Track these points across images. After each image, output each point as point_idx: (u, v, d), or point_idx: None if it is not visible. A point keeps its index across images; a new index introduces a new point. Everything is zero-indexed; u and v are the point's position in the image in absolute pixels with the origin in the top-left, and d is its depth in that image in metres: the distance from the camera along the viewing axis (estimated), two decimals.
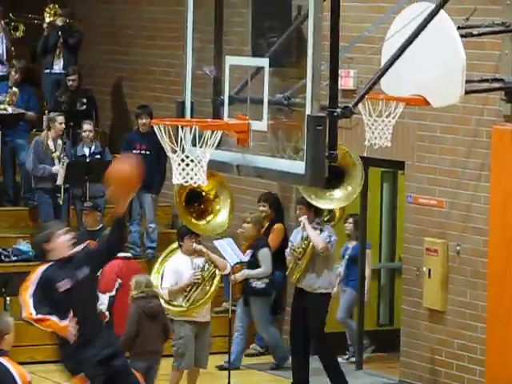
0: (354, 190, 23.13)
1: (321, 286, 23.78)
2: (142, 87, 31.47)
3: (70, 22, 32.45)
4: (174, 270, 23.36)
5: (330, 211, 24.56)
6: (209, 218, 23.84)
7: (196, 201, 23.66)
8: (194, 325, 22.84)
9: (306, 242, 23.56)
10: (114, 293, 23.69)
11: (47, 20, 32.27)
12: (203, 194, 23.41)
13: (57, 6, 32.65)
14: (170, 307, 23.00)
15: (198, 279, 23.40)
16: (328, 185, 20.79)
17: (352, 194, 23.04)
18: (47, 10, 32.54)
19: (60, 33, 31.70)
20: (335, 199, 23.26)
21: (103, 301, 22.80)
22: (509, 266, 21.60)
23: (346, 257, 25.85)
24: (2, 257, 27.52)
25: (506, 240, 21.46)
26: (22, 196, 29.82)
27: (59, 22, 32.13)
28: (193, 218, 23.61)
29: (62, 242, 16.79)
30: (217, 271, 23.79)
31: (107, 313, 22.77)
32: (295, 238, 23.92)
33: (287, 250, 24.15)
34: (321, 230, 23.52)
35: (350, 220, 25.57)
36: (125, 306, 22.94)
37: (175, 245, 24.01)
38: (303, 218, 23.46)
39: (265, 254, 25.17)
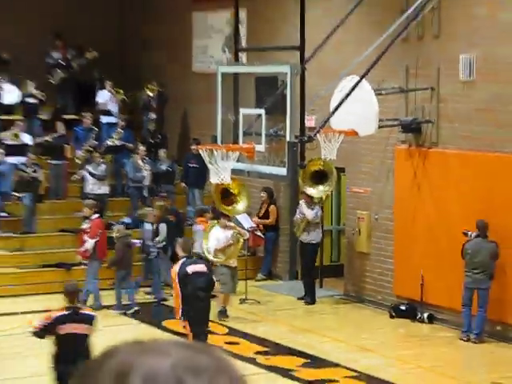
0: (331, 186, 25.48)
1: (311, 240, 26.96)
2: (194, 128, 32.98)
3: (162, 90, 33.32)
4: (216, 237, 25.88)
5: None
6: (234, 205, 25.62)
7: (226, 194, 25.22)
8: (229, 268, 25.79)
9: (303, 215, 26.73)
10: (97, 238, 26.19)
11: (150, 93, 33.29)
12: (230, 190, 24.91)
13: (155, 83, 33.16)
14: (216, 259, 25.81)
15: (230, 243, 26.07)
16: (318, 182, 24.59)
17: (330, 188, 25.73)
18: (149, 86, 33.36)
19: (155, 98, 33.07)
20: (321, 191, 25.18)
21: (91, 242, 26.08)
22: (406, 226, 24.98)
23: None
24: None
25: (403, 212, 25.22)
26: (125, 191, 31.80)
27: (155, 91, 33.14)
28: (224, 205, 25.42)
29: None
30: (240, 238, 26.65)
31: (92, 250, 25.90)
32: (299, 212, 27.05)
33: (294, 219, 27.58)
34: (312, 209, 26.61)
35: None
36: (102, 244, 26.43)
37: (215, 221, 26.81)
38: (302, 202, 26.81)
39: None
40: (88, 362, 1.62)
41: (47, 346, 18.64)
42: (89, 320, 16.84)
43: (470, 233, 22.37)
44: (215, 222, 26.74)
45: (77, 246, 27.24)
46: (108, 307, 25.61)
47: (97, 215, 26.50)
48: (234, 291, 26.04)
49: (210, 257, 25.83)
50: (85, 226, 26.49)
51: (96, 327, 16.63)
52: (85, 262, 26.90)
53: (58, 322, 16.87)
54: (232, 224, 26.96)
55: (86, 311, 17.87)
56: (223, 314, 25.09)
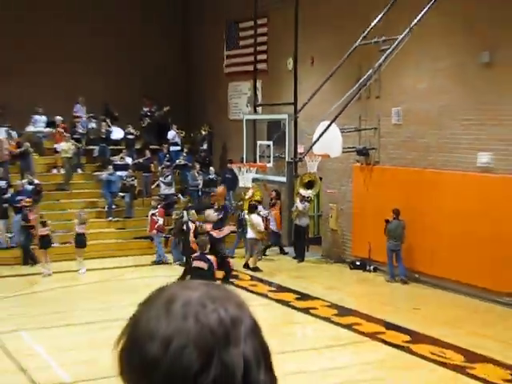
0: (317, 189, 24.84)
1: (302, 223, 26.01)
2: (229, 152, 31.52)
3: (210, 130, 32.26)
4: (256, 221, 24.76)
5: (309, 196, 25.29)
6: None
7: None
8: (261, 241, 25.26)
9: (297, 207, 25.49)
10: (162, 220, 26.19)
11: (203, 132, 32.20)
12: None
13: (206, 125, 32.18)
14: (257, 236, 24.81)
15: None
16: (309, 187, 23.74)
17: (316, 191, 24.93)
18: (203, 127, 32.44)
19: (206, 134, 32.02)
20: (310, 193, 24.39)
21: (161, 220, 26.02)
22: (360, 213, 24.41)
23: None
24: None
25: (358, 204, 24.59)
26: (188, 193, 29.95)
27: (206, 131, 32.25)
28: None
29: None
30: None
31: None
32: (294, 206, 25.84)
33: (292, 209, 26.29)
34: (303, 203, 25.29)
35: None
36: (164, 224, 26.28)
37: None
38: (297, 199, 25.44)
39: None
40: (150, 293, 1.64)
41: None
42: (207, 260, 16.81)
43: (390, 219, 22.36)
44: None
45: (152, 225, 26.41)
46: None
47: (160, 206, 26.65)
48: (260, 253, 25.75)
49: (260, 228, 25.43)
50: (152, 211, 26.33)
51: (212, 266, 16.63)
52: (155, 235, 26.35)
53: (194, 258, 17.58)
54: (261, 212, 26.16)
55: (208, 256, 17.66)
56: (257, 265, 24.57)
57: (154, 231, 26.44)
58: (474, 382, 13.93)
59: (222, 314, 1.47)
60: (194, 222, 25.02)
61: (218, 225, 24.22)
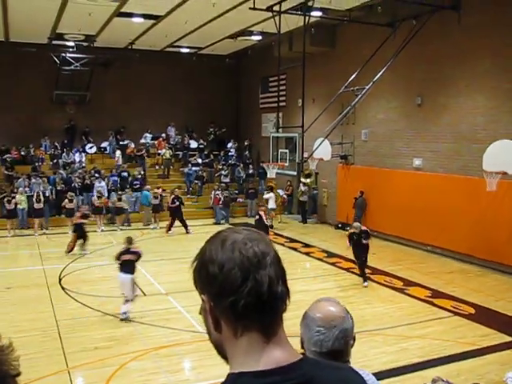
0: (312, 179, 24.73)
1: (304, 199, 25.29)
2: (262, 156, 30.67)
3: (250, 143, 31.55)
4: (273, 197, 24.88)
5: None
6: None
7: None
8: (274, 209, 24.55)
9: (300, 189, 24.89)
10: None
11: (245, 143, 31.56)
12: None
13: (248, 139, 31.58)
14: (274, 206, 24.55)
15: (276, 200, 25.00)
16: (307, 177, 23.82)
17: (312, 180, 24.66)
18: (246, 141, 31.71)
19: (248, 145, 31.31)
20: (309, 181, 24.35)
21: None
22: (342, 195, 23.97)
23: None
24: None
25: (341, 189, 24.12)
26: (236, 181, 29.22)
27: (248, 143, 31.63)
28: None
29: None
30: (279, 198, 25.64)
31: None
32: (299, 188, 25.11)
33: (298, 190, 25.43)
34: (303, 187, 24.64)
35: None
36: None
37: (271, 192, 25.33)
38: (301, 184, 24.68)
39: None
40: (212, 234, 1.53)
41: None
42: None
43: (357, 197, 22.41)
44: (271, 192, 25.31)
45: (214, 200, 26.01)
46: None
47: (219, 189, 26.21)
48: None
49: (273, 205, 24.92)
50: (214, 192, 25.99)
51: None
52: (215, 206, 26.02)
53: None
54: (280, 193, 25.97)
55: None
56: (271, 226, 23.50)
57: (215, 204, 26.14)
58: (407, 297, 13.99)
59: (256, 249, 1.43)
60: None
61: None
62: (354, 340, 2.50)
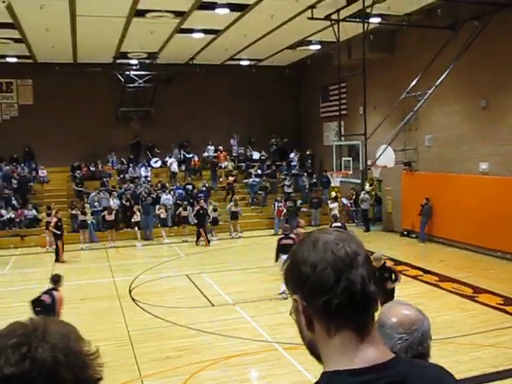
0: (374, 187, 25.12)
1: (365, 207, 25.28)
2: (324, 165, 30.37)
3: (313, 152, 31.45)
4: (333, 206, 24.90)
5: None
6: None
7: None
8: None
9: (362, 197, 25.32)
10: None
11: (308, 153, 31.53)
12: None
13: (310, 149, 31.62)
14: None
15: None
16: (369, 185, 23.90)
17: (373, 188, 25.09)
18: (308, 150, 31.60)
19: (310, 154, 31.48)
20: (370, 188, 24.69)
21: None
22: (407, 202, 23.57)
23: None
24: None
25: (406, 192, 23.74)
26: (300, 190, 29.15)
27: (311, 152, 31.54)
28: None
29: None
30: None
31: None
32: (360, 196, 25.59)
33: (359, 198, 25.53)
34: (365, 194, 24.85)
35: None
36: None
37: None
38: (362, 192, 24.97)
39: None
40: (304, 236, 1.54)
41: None
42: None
43: (423, 204, 21.94)
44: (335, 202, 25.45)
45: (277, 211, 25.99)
46: None
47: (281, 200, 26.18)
48: None
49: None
50: (276, 203, 26.07)
51: None
52: (276, 217, 25.79)
53: None
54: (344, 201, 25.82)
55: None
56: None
57: (278, 215, 26.05)
58: (478, 305, 13.64)
59: (347, 249, 1.43)
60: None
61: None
62: (431, 339, 2.44)
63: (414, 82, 20.85)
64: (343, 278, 1.40)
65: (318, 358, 1.48)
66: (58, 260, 21.04)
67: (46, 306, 9.89)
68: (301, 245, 1.51)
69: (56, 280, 10.40)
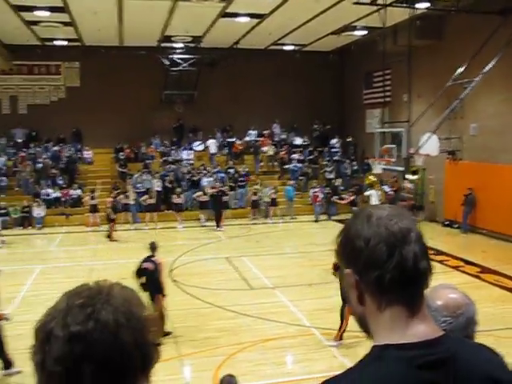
0: (418, 176, 24.05)
1: (408, 196, 25.06)
2: (366, 152, 30.26)
3: (354, 139, 31.41)
4: (376, 193, 24.19)
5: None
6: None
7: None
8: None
9: (405, 185, 25.08)
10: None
11: (348, 140, 31.48)
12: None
13: (351, 136, 31.53)
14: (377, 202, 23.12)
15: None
16: (414, 174, 22.73)
17: (418, 177, 24.20)
18: (348, 137, 31.62)
19: (352, 141, 31.56)
20: (415, 178, 23.68)
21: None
22: (450, 191, 23.50)
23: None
24: None
25: (448, 181, 23.65)
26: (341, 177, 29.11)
27: (352, 139, 31.45)
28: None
29: None
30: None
31: None
32: (403, 185, 25.56)
33: (401, 186, 25.22)
34: (409, 183, 24.64)
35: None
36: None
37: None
38: (405, 181, 24.43)
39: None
40: (356, 211, 1.57)
41: None
42: None
43: (466, 194, 21.84)
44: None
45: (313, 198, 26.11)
46: None
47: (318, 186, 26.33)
48: None
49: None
50: (312, 190, 26.35)
51: None
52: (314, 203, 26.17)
53: None
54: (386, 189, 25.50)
55: None
56: None
57: (314, 202, 26.14)
58: None
59: (401, 225, 1.44)
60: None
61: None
62: (476, 325, 2.41)
63: (460, 69, 20.44)
64: (396, 253, 1.41)
65: (368, 332, 1.50)
66: (109, 238, 21.73)
67: (150, 273, 10.50)
68: (354, 219, 1.51)
69: (154, 247, 11.00)
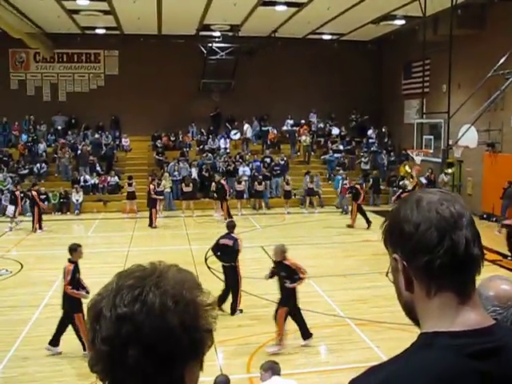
0: (454, 168, 24.37)
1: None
2: (403, 143, 30.27)
3: (389, 130, 31.27)
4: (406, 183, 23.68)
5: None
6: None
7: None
8: None
9: (443, 179, 23.97)
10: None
11: (383, 130, 31.32)
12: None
13: (385, 127, 31.35)
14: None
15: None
16: (449, 166, 23.00)
17: (454, 170, 24.23)
18: (383, 128, 31.42)
19: (386, 132, 31.33)
20: (450, 171, 23.79)
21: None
22: (488, 184, 23.11)
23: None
24: None
25: (486, 173, 23.23)
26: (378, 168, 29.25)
27: (386, 130, 31.34)
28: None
29: None
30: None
31: None
32: (440, 177, 24.26)
33: (440, 181, 24.50)
34: (445, 175, 23.91)
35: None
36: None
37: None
38: (442, 175, 23.90)
39: None
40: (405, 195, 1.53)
41: None
42: None
43: (505, 188, 21.32)
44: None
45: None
46: None
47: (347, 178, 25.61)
48: None
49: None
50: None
51: None
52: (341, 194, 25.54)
53: None
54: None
55: None
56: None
57: (343, 194, 25.57)
58: None
59: (452, 209, 1.40)
60: None
61: None
62: None
63: (502, 60, 20.00)
64: (447, 238, 1.38)
65: (415, 319, 1.46)
66: (151, 225, 21.93)
67: (229, 249, 11.69)
68: (403, 204, 1.47)
69: (233, 225, 12.23)
